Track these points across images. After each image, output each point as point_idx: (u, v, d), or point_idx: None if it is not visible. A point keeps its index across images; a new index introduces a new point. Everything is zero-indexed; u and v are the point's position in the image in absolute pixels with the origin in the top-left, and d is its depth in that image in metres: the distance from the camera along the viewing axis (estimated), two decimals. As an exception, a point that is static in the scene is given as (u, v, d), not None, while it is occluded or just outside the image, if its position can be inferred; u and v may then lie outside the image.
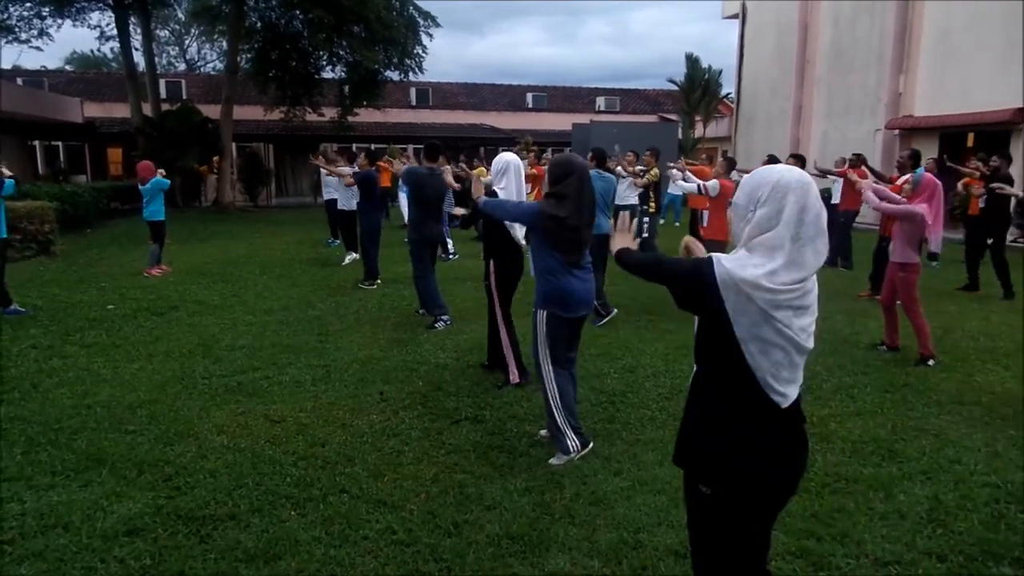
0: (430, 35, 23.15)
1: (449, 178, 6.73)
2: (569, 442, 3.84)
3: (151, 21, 24.43)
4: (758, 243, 1.86)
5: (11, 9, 20.67)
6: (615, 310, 7.13)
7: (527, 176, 6.54)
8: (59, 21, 21.78)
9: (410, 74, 23.48)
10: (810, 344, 1.91)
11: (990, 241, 8.75)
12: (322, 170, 12.05)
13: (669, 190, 16.29)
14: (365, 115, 25.78)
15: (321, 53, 22.53)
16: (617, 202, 8.80)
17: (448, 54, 77.80)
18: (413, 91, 31.32)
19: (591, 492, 3.49)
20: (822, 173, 10.91)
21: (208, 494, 3.47)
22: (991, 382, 5.26)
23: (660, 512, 3.27)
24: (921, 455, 3.95)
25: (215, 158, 22.33)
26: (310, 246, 13.14)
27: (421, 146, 8.52)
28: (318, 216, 14.74)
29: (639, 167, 10.10)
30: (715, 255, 1.90)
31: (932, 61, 17.43)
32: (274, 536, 3.10)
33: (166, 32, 43.00)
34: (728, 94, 28.56)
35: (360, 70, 22.03)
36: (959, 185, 10.20)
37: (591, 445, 3.95)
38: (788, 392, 1.90)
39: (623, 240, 2.41)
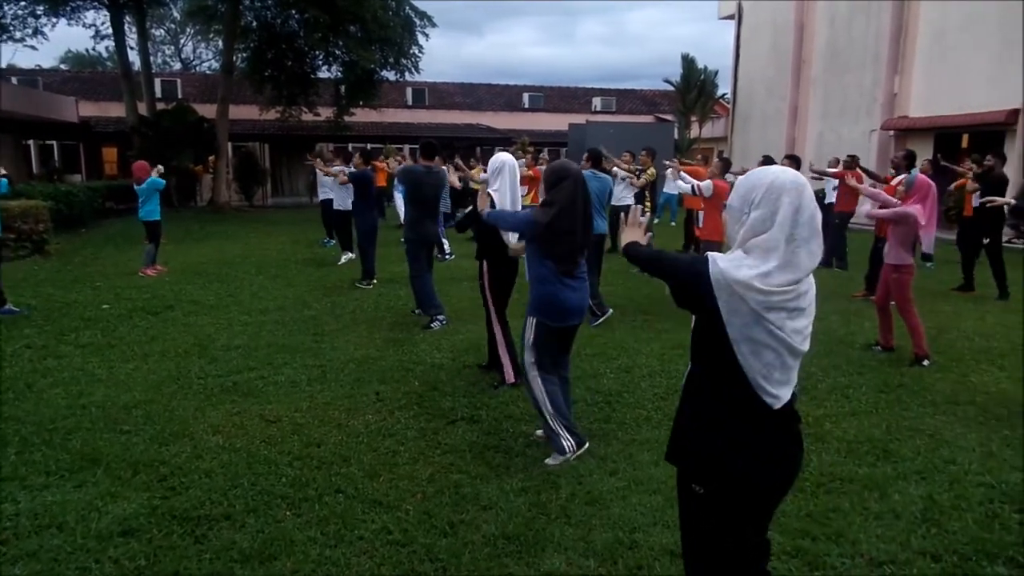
0: (426, 35, 23.16)
1: (453, 178, 6.73)
2: (564, 442, 3.83)
3: (146, 20, 24.31)
4: (753, 245, 1.86)
5: (6, 7, 20.60)
6: (611, 310, 7.13)
7: (523, 178, 6.55)
8: (54, 20, 21.78)
9: (406, 74, 23.43)
10: (804, 347, 1.91)
11: (986, 241, 8.78)
12: (318, 170, 12.04)
13: (665, 189, 16.32)
14: (361, 115, 25.77)
15: (317, 53, 22.51)
16: (613, 203, 8.81)
17: (444, 54, 77.97)
18: (409, 91, 31.28)
19: (587, 492, 3.49)
20: (819, 175, 10.94)
21: (203, 494, 3.46)
22: (986, 382, 5.28)
23: (656, 512, 3.27)
24: (916, 455, 3.96)
25: (211, 158, 22.26)
26: (306, 246, 13.11)
27: (417, 146, 8.51)
28: (314, 216, 14.70)
29: (636, 167, 10.13)
30: (712, 254, 1.90)
31: (927, 62, 17.50)
32: (269, 536, 3.09)
33: (161, 31, 42.96)
34: (724, 94, 28.66)
35: (356, 70, 21.98)
36: (951, 187, 10.24)
37: (587, 444, 3.94)
38: (780, 394, 1.90)
39: (633, 234, 2.40)
